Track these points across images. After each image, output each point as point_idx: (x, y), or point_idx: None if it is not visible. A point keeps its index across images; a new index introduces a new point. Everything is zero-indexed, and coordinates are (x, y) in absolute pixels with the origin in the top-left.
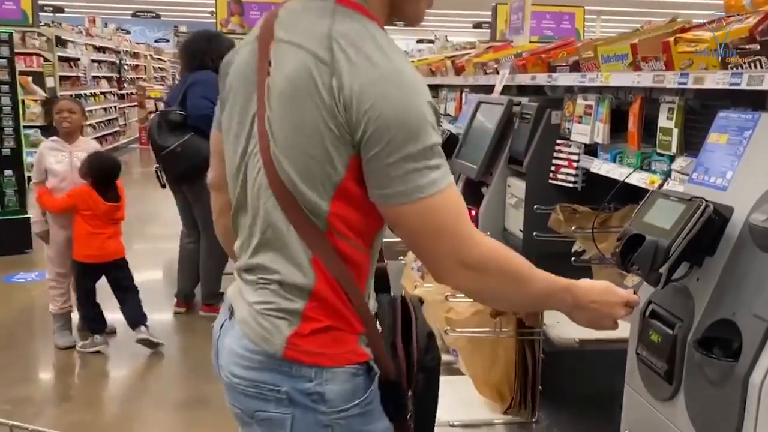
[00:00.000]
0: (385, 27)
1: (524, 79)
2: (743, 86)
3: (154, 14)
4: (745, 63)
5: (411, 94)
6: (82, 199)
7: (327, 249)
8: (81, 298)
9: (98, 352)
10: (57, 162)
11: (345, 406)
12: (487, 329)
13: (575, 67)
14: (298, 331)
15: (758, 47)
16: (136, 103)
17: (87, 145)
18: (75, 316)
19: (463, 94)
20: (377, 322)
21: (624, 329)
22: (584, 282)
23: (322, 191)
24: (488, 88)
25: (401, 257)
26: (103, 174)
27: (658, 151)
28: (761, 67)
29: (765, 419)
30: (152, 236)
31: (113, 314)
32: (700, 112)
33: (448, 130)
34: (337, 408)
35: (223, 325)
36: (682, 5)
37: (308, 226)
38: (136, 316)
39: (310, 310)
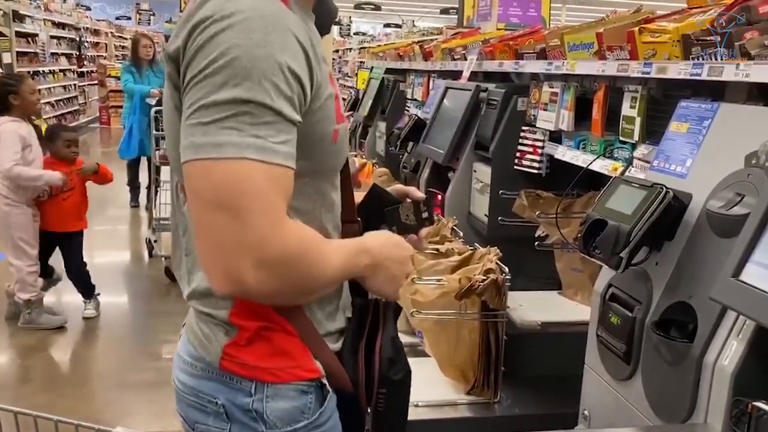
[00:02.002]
0: (356, 10)
1: (491, 65)
2: (704, 77)
3: None
4: (705, 54)
5: (249, 30)
6: None
7: None
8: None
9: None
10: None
11: (287, 428)
12: (452, 311)
13: (542, 55)
14: (235, 340)
15: (718, 39)
16: (96, 82)
17: None
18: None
19: (431, 80)
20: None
21: (585, 312)
22: (371, 236)
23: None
24: (456, 74)
25: None
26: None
27: (621, 138)
28: (721, 59)
29: (717, 398)
30: (111, 218)
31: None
32: (662, 102)
33: (416, 115)
34: (278, 429)
35: (184, 324)
36: None
37: None
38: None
39: (235, 316)
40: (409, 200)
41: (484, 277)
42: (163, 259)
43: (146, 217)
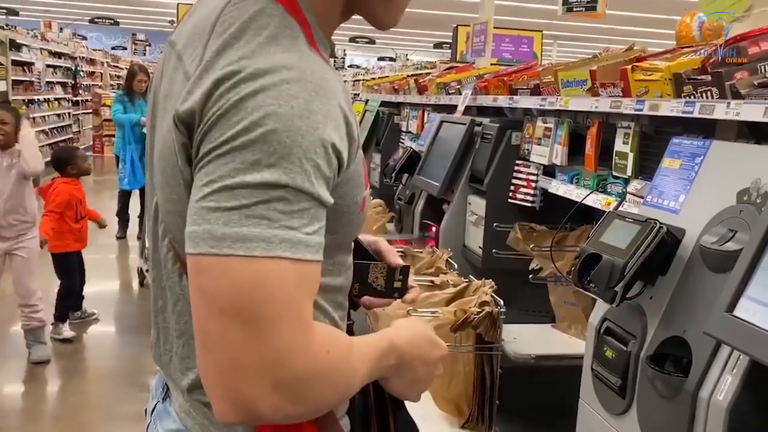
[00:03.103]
0: (351, 43)
1: (486, 100)
2: (695, 114)
3: (112, 21)
4: (697, 93)
5: (280, 100)
6: None
7: None
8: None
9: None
10: None
11: None
12: (447, 344)
13: (536, 91)
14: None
15: (709, 78)
16: (90, 111)
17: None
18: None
19: (426, 113)
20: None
21: (579, 346)
22: (400, 328)
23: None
24: (450, 108)
25: None
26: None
27: (614, 173)
28: (712, 97)
29: None
30: (101, 246)
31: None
32: (654, 138)
33: (410, 147)
34: None
35: (155, 408)
36: (634, 33)
37: None
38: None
39: None
40: (383, 263)
41: (479, 310)
42: None
43: (135, 246)
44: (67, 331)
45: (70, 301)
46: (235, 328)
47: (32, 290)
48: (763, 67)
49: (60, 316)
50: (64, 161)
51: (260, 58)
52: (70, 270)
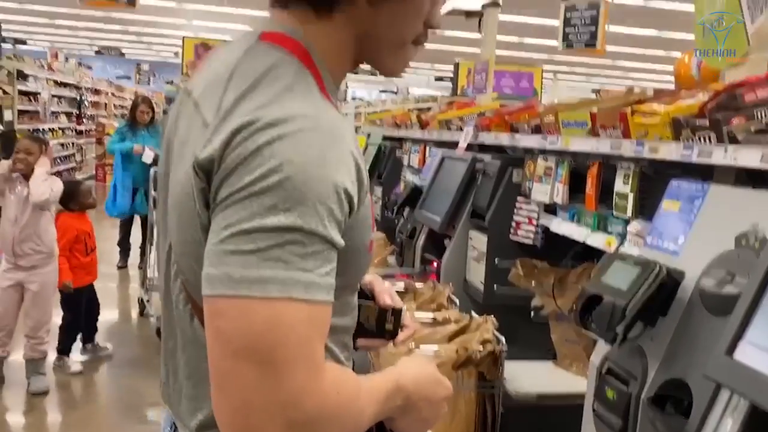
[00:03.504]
0: (349, 73)
1: (488, 138)
2: (694, 159)
3: (118, 52)
4: (695, 137)
5: (295, 148)
6: None
7: None
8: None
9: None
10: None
11: None
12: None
13: (537, 130)
14: None
15: (707, 123)
16: (94, 139)
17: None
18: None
19: (427, 148)
20: None
21: (580, 384)
22: (406, 368)
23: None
24: (451, 144)
25: None
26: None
27: (615, 213)
28: (710, 142)
29: None
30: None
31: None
32: (653, 178)
33: (412, 182)
34: None
35: None
36: (634, 69)
37: None
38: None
39: None
40: (375, 304)
41: (482, 348)
42: (154, 318)
43: (135, 275)
44: (75, 364)
45: (73, 335)
46: (249, 368)
47: (41, 323)
48: (759, 114)
49: (63, 350)
50: (67, 196)
51: (276, 107)
52: (77, 305)
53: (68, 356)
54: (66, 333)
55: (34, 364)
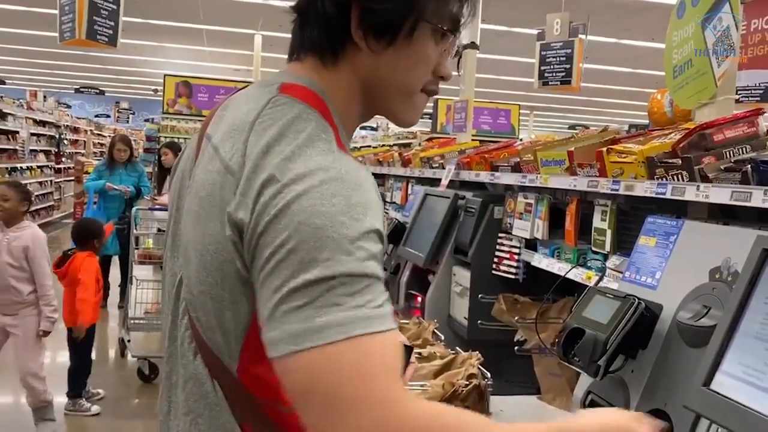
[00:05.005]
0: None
1: (469, 175)
2: (668, 196)
3: (97, 90)
4: (668, 175)
5: (327, 203)
6: None
7: (261, 420)
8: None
9: None
10: None
11: None
12: None
13: (516, 168)
14: None
15: (680, 162)
16: (72, 178)
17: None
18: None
19: (409, 184)
20: None
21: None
22: (582, 416)
23: (230, 342)
24: (433, 180)
25: None
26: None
27: (593, 249)
28: (683, 180)
29: None
30: None
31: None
32: (630, 214)
33: (395, 219)
34: None
35: None
36: (608, 105)
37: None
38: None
39: None
40: None
41: (467, 383)
42: (135, 359)
43: (115, 315)
44: (94, 406)
45: (84, 376)
46: (328, 415)
47: (29, 370)
48: (728, 153)
49: (76, 394)
50: (92, 234)
51: (299, 161)
52: (88, 344)
53: (80, 398)
54: (75, 375)
55: (39, 412)
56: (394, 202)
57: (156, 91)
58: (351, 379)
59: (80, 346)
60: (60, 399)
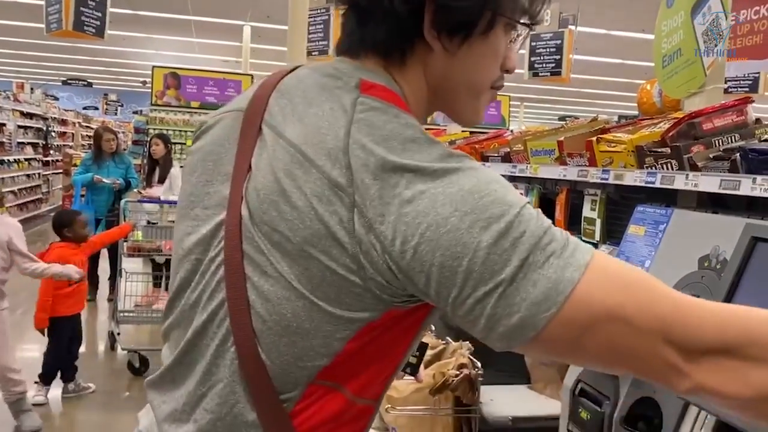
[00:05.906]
0: None
1: None
2: (657, 185)
3: (85, 82)
4: (658, 164)
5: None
6: None
7: None
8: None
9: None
10: None
11: None
12: (427, 407)
13: (506, 158)
14: None
15: (669, 151)
16: (60, 171)
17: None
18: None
19: None
20: None
21: (554, 406)
22: None
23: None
24: None
25: None
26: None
27: (583, 238)
28: (672, 169)
29: None
30: None
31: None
32: (620, 203)
33: None
34: None
35: None
36: (598, 96)
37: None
38: None
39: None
40: None
41: (458, 372)
42: (125, 352)
43: (104, 308)
44: (38, 396)
45: (54, 365)
46: (642, 295)
47: (3, 363)
48: (717, 142)
49: (68, 378)
50: (63, 224)
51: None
52: (63, 333)
53: (45, 385)
54: (46, 361)
55: (15, 405)
56: None
57: (144, 82)
58: (618, 286)
59: (52, 337)
60: (55, 392)
